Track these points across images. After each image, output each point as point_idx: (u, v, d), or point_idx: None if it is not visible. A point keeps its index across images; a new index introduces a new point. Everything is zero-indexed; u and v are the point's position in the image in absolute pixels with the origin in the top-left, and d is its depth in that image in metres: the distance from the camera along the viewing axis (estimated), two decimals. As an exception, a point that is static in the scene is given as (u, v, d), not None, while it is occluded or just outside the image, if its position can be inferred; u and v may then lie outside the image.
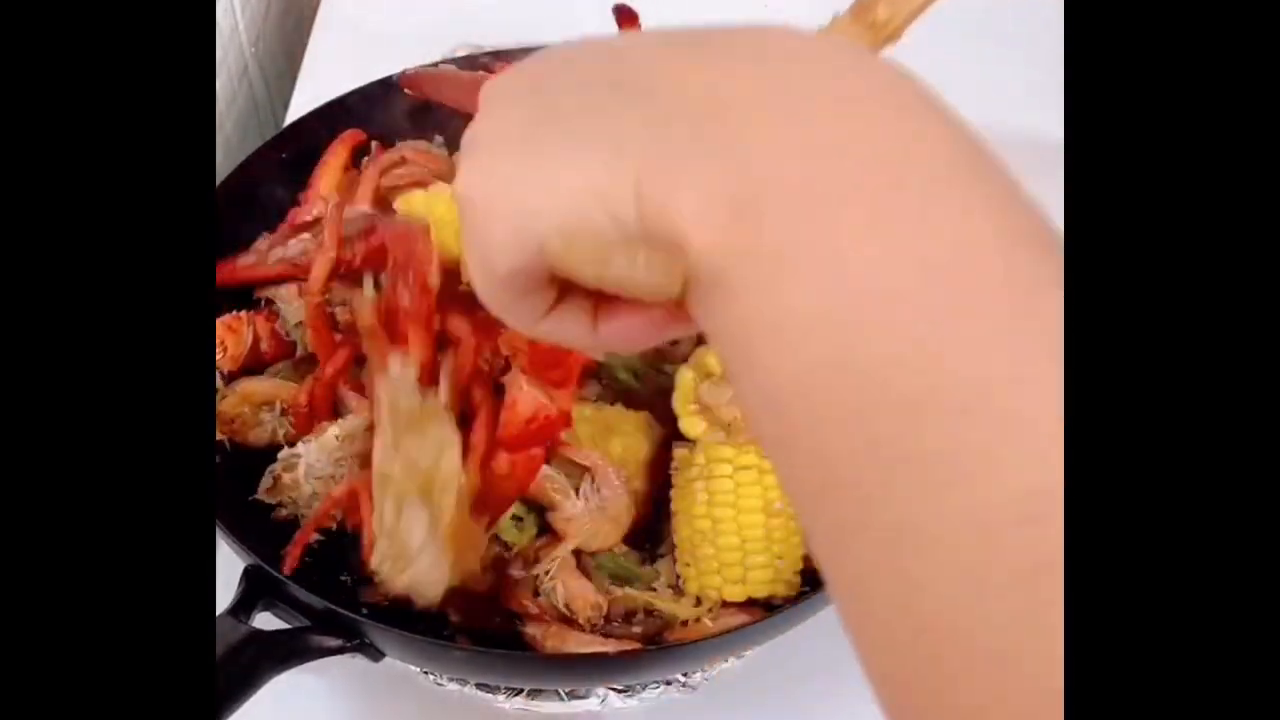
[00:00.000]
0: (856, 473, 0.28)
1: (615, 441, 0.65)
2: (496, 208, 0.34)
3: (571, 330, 0.37)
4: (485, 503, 0.62)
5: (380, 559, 0.59)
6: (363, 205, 0.74)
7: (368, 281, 0.62)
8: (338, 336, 0.69)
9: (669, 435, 0.66)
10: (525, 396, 0.61)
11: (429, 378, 0.62)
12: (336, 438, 0.66)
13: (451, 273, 0.66)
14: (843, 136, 0.30)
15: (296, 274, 0.71)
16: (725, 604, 0.62)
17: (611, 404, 0.68)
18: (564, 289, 0.36)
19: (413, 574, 0.58)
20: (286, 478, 0.66)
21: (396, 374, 0.60)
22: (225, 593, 0.57)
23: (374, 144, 0.78)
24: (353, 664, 0.59)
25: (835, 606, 0.30)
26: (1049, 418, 0.25)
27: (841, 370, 0.28)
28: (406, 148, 0.77)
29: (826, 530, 0.29)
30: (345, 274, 0.69)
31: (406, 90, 0.79)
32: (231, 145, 0.96)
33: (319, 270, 0.68)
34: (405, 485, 0.58)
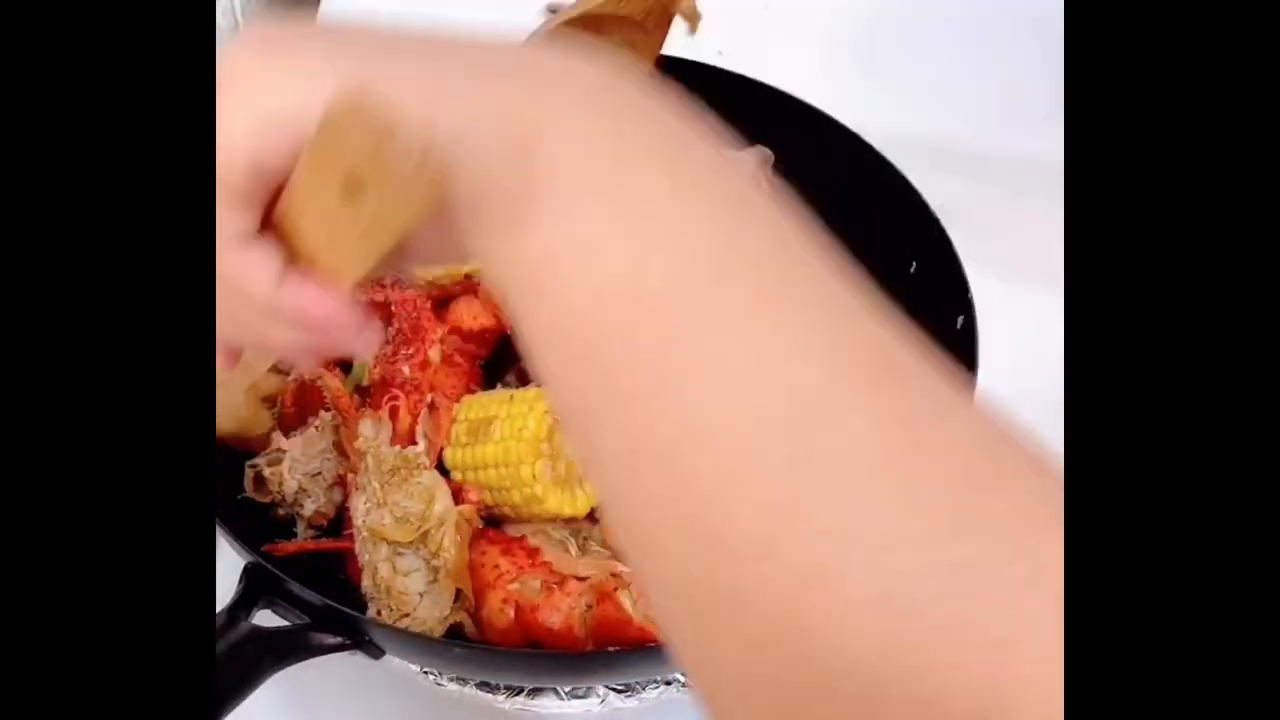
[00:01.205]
0: (638, 384, 0.29)
1: (496, 427, 0.64)
2: (264, 84, 0.32)
3: (255, 272, 0.34)
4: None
5: (376, 611, 0.60)
6: None
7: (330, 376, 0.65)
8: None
9: None
10: None
11: (407, 440, 0.63)
12: (316, 428, 0.66)
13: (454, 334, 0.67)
14: (633, 114, 0.32)
15: None
16: None
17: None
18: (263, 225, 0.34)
19: (412, 620, 0.59)
20: (269, 472, 0.67)
21: (369, 436, 0.62)
22: (225, 590, 0.57)
23: None
24: (352, 662, 0.59)
25: (617, 527, 0.31)
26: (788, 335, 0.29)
27: (632, 292, 0.29)
28: None
29: (607, 448, 0.30)
30: None
31: None
32: (232, 145, 0.96)
33: None
34: (399, 536, 0.59)
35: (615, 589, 0.57)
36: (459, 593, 0.60)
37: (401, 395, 0.64)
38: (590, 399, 0.30)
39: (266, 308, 0.35)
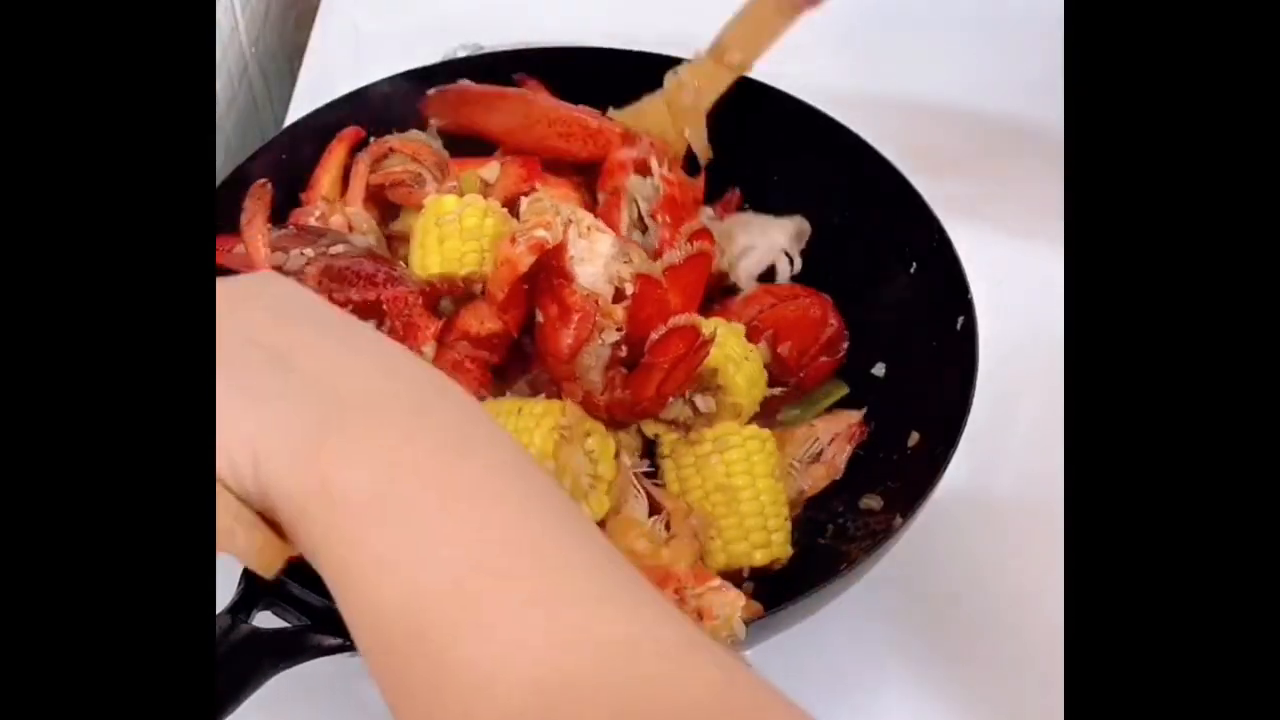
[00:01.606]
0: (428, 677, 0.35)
1: (537, 436, 0.64)
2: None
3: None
4: None
5: None
6: (356, 204, 0.74)
7: None
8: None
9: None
10: None
11: None
12: None
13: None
14: (419, 424, 0.39)
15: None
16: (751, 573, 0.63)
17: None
18: None
19: None
20: None
21: None
22: (225, 591, 0.57)
23: (372, 140, 0.79)
24: (352, 662, 0.59)
25: None
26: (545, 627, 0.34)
27: (404, 610, 0.36)
28: (394, 139, 0.77)
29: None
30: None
31: (432, 119, 0.78)
32: (231, 145, 0.96)
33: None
34: None
35: None
36: None
37: None
38: (400, 677, 0.36)
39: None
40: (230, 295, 0.41)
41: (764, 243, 0.75)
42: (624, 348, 0.63)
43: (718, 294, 0.74)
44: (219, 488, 0.38)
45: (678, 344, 0.61)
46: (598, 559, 0.37)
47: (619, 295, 0.64)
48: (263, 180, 0.73)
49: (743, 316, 0.70)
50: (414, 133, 0.78)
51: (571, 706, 0.32)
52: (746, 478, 0.63)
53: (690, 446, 0.65)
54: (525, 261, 0.63)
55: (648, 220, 0.72)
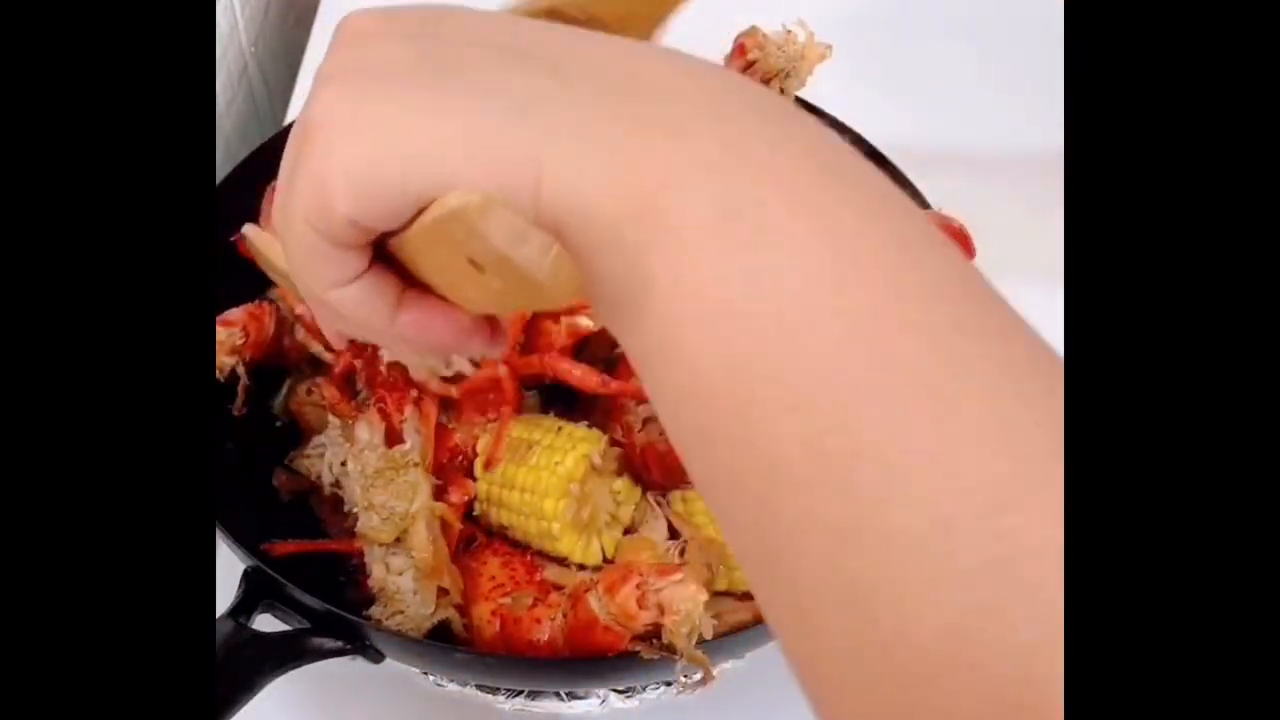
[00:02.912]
0: (793, 465, 0.26)
1: (535, 453, 0.63)
2: (363, 138, 0.29)
3: (369, 307, 0.32)
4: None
5: (379, 613, 0.61)
6: None
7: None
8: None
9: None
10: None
11: (396, 439, 0.63)
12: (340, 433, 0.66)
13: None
14: (763, 133, 0.29)
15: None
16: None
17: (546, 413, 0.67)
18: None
19: (404, 617, 0.60)
20: (305, 464, 0.68)
21: (364, 439, 0.62)
22: (225, 594, 0.57)
23: None
24: (352, 663, 0.59)
25: (767, 612, 0.29)
26: (988, 399, 0.26)
27: (787, 359, 0.27)
28: None
29: (758, 526, 0.28)
30: None
31: None
32: (231, 145, 0.96)
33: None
34: (382, 536, 0.59)
35: (586, 590, 0.57)
36: (445, 591, 0.60)
37: (387, 394, 0.64)
38: (740, 470, 0.28)
39: (383, 334, 0.33)
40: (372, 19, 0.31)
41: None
42: None
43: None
44: (499, 209, 0.28)
45: None
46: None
47: None
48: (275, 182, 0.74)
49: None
50: None
51: None
52: None
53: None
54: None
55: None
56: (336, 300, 0.32)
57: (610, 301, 0.29)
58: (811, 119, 0.30)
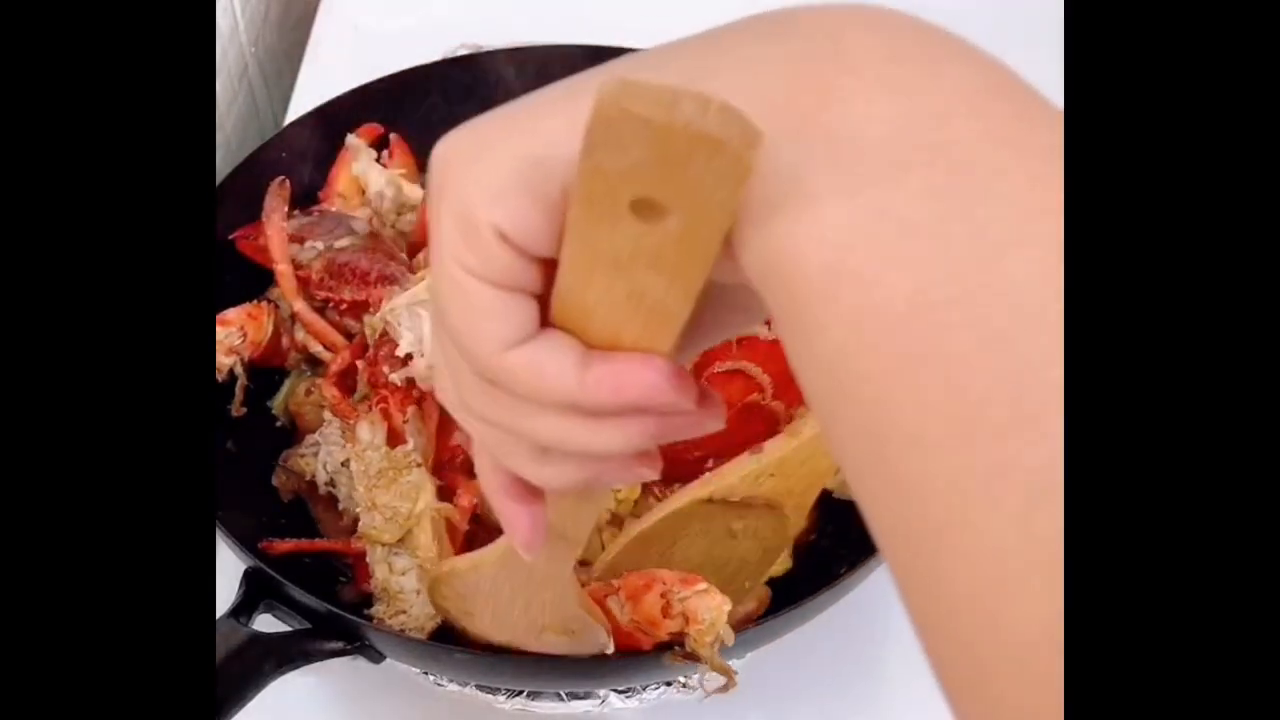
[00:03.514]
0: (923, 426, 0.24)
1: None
2: (491, 149, 0.27)
3: (555, 365, 0.29)
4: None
5: (380, 613, 0.61)
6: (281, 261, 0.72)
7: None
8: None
9: None
10: None
11: (398, 439, 0.63)
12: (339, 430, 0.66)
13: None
14: (935, 75, 0.27)
15: (299, 274, 0.72)
16: None
17: None
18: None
19: (407, 618, 0.60)
20: (300, 463, 0.68)
21: (366, 439, 0.62)
22: (226, 595, 0.57)
23: (392, 136, 0.79)
24: (353, 663, 0.59)
25: (899, 582, 0.27)
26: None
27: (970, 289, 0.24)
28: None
29: (883, 484, 0.26)
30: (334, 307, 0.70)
31: None
32: (231, 145, 0.96)
33: (284, 284, 0.69)
34: (385, 537, 0.59)
35: (606, 596, 0.57)
36: None
37: (389, 394, 0.64)
38: (921, 423, 0.25)
39: (570, 403, 0.29)
40: None
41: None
42: None
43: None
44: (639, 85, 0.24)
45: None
46: None
47: None
48: (281, 178, 0.73)
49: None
50: None
51: None
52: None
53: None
54: None
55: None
56: (516, 363, 0.29)
57: (756, 204, 0.26)
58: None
